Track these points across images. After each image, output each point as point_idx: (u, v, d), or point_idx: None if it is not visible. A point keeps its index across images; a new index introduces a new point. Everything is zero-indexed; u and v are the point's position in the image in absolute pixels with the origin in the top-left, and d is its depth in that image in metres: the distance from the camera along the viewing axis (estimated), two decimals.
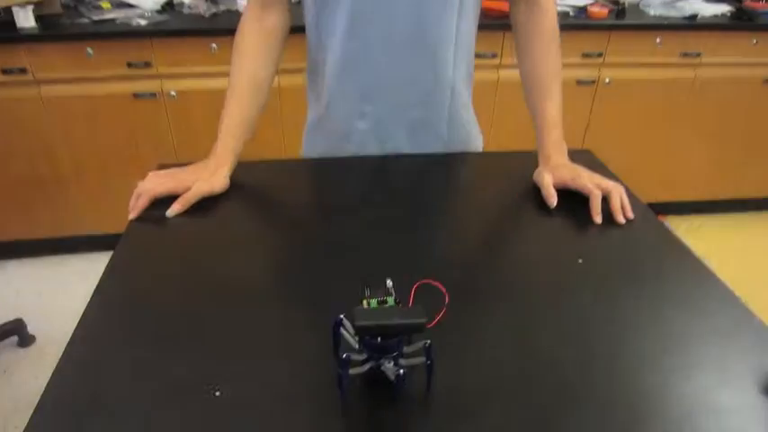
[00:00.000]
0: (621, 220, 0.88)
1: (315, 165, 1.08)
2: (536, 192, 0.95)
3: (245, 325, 0.66)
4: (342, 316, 0.58)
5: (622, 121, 2.47)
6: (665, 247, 0.83)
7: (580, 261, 0.78)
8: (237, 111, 0.97)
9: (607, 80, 2.35)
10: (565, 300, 0.71)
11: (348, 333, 0.58)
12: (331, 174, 1.04)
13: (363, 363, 0.56)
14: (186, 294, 0.71)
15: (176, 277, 0.74)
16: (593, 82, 2.35)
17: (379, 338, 0.53)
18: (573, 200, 0.92)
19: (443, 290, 0.57)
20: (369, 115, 1.04)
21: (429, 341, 0.55)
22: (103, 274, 0.75)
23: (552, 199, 0.91)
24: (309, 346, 0.63)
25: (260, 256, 0.79)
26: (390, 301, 0.56)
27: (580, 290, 0.73)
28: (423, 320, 0.53)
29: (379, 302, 0.56)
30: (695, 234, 2.63)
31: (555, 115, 1.00)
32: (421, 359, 0.56)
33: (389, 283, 0.59)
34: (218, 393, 0.57)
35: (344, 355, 0.53)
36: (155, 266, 0.77)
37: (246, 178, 0.97)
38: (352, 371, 0.55)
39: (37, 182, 2.21)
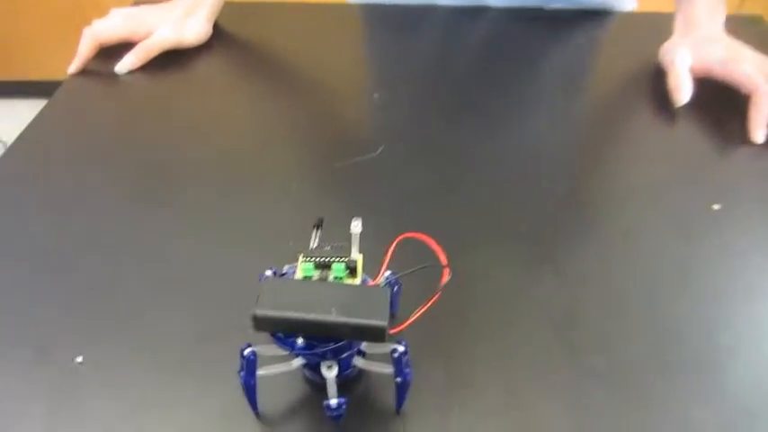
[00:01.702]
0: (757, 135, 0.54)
1: (352, 12, 0.78)
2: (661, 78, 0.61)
3: (162, 252, 0.44)
4: (271, 271, 0.34)
5: None
6: None
7: (716, 207, 0.47)
8: None
9: None
10: (678, 282, 0.42)
11: None
12: (372, 28, 0.73)
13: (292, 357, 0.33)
14: (102, 187, 0.49)
15: (99, 160, 0.52)
16: None
17: (299, 339, 0.29)
18: (718, 97, 0.58)
19: (443, 259, 0.30)
20: None
21: (403, 347, 0.30)
22: (16, 139, 0.55)
23: (680, 93, 0.58)
24: (234, 302, 0.40)
25: (229, 145, 0.54)
26: (338, 269, 0.30)
27: (711, 261, 0.43)
28: (379, 324, 0.27)
29: (317, 266, 0.31)
30: None
31: None
32: (388, 369, 0.32)
33: (356, 226, 0.33)
34: (79, 360, 0.37)
35: (247, 350, 0.30)
36: (77, 141, 0.55)
37: (239, 26, 0.71)
38: (265, 371, 0.31)
39: None
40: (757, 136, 0.54)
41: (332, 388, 0.30)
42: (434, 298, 0.30)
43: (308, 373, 0.35)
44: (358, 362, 0.33)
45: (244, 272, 0.41)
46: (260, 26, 0.71)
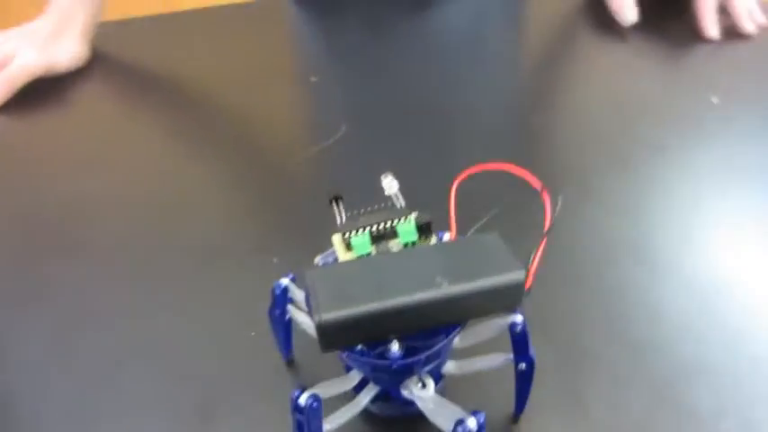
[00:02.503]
0: (749, 26, 0.52)
1: (238, 11, 0.67)
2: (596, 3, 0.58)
3: (91, 323, 0.31)
4: (287, 280, 0.23)
5: None
6: None
7: (714, 101, 0.43)
8: None
9: None
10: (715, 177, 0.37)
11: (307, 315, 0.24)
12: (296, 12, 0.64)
13: (356, 390, 0.22)
14: None
15: None
16: None
17: (393, 346, 0.18)
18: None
19: (536, 183, 0.22)
20: None
21: (521, 317, 0.21)
22: None
23: (626, 10, 0.54)
24: (222, 353, 0.28)
25: (142, 174, 0.42)
26: (407, 231, 0.20)
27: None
28: (518, 277, 0.18)
29: (375, 236, 0.21)
30: None
31: None
32: (502, 357, 0.22)
33: (390, 183, 0.23)
34: None
35: (304, 397, 0.19)
36: None
37: (121, 46, 0.58)
38: (332, 423, 0.20)
39: None
40: (711, 32, 0.51)
41: (446, 406, 0.20)
42: (546, 232, 0.21)
43: (375, 409, 0.24)
44: (450, 367, 0.23)
45: (226, 318, 0.30)
46: (145, 42, 0.59)
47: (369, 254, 0.20)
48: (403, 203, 0.23)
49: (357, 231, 0.20)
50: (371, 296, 0.17)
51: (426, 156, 0.40)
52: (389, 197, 0.23)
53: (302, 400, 0.19)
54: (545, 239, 0.21)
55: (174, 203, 0.38)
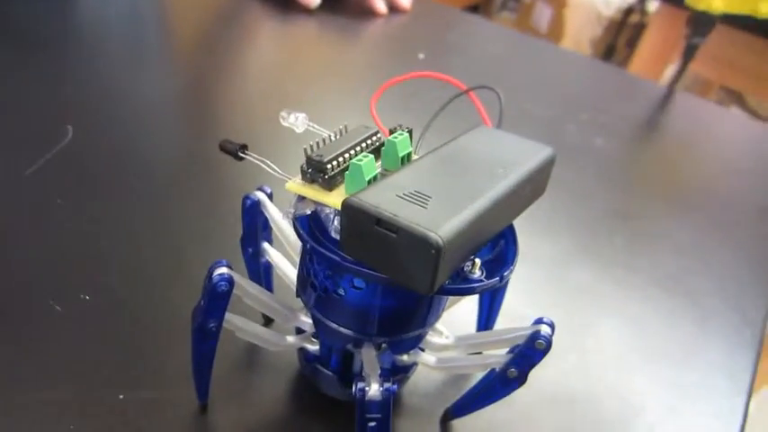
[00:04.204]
0: (406, 3, 0.61)
1: None
2: None
3: None
4: (226, 266, 0.16)
5: None
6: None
7: (421, 56, 0.49)
8: None
9: None
10: None
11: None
12: None
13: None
14: None
15: None
16: None
17: (476, 266, 0.14)
18: None
19: (460, 84, 0.20)
20: None
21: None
22: None
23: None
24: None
25: None
26: (404, 142, 0.16)
27: None
28: (552, 152, 0.16)
29: (376, 155, 0.15)
30: None
31: None
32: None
33: (296, 118, 0.18)
34: None
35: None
36: None
37: None
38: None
39: None
40: (381, 9, 0.58)
41: (483, 339, 0.17)
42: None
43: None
44: (428, 359, 0.19)
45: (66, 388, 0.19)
46: None
47: (375, 177, 0.15)
48: (334, 133, 0.18)
49: (353, 153, 0.15)
50: (462, 199, 0.13)
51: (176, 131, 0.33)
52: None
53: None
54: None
55: None
